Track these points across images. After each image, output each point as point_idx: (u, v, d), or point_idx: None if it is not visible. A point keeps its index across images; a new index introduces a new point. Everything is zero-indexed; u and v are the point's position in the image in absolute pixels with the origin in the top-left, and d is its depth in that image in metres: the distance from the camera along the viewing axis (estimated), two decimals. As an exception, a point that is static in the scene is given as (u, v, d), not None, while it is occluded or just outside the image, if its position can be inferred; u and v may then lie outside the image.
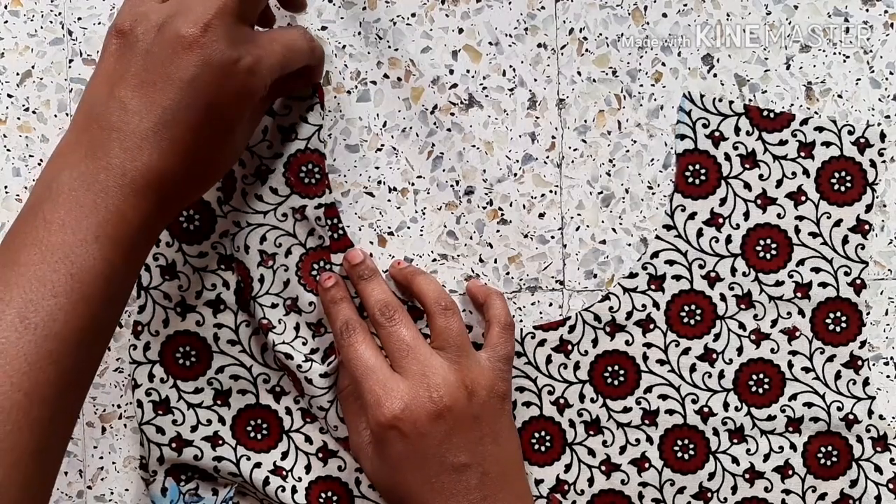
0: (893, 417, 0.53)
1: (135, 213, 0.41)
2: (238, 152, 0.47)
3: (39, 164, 0.53)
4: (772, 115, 0.52)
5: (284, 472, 0.51)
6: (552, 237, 0.53)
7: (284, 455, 0.52)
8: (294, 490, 0.51)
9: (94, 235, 0.40)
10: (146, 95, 0.41)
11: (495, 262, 0.53)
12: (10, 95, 0.53)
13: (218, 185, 0.51)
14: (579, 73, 0.53)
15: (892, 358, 0.53)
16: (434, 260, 0.53)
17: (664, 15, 0.53)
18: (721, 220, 0.52)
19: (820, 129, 0.52)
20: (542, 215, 0.53)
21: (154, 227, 0.43)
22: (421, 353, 0.48)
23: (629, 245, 0.53)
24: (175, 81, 0.41)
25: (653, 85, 0.53)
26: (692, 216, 0.52)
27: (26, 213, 0.41)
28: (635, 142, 0.53)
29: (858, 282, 0.52)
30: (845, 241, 0.52)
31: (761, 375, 0.52)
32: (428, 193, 0.53)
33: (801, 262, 0.52)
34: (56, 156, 0.42)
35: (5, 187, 0.53)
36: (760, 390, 0.52)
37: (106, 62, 0.42)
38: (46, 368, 0.38)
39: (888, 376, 0.53)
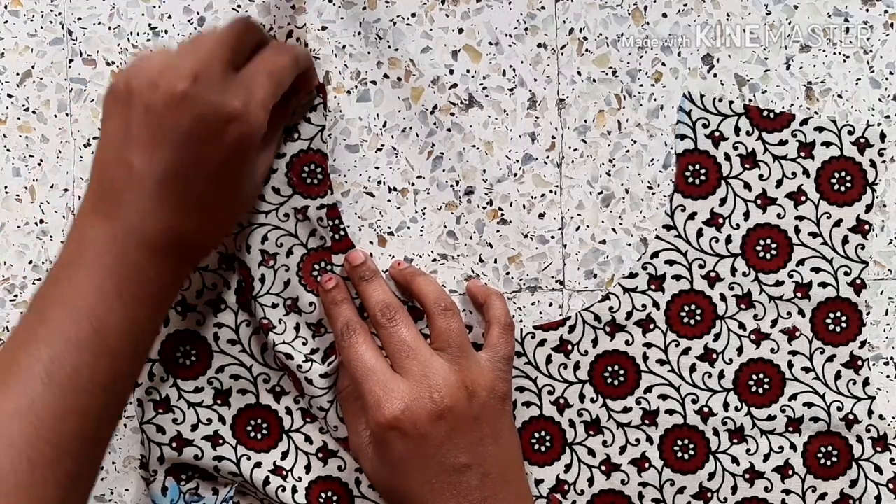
0: (893, 417, 0.53)
1: (155, 269, 0.43)
2: (251, 193, 0.48)
3: (39, 164, 0.53)
4: (772, 115, 0.52)
5: (284, 472, 0.51)
6: (552, 237, 0.53)
7: (284, 455, 0.52)
8: (294, 490, 0.51)
9: (117, 293, 0.42)
10: (149, 155, 0.42)
11: (495, 262, 0.53)
12: (10, 95, 0.53)
13: None
14: (579, 73, 0.53)
15: (892, 358, 0.53)
16: (434, 260, 0.53)
17: (664, 15, 0.53)
18: (721, 220, 0.52)
19: (820, 129, 0.52)
20: (542, 215, 0.53)
21: (176, 280, 0.45)
22: (421, 353, 0.48)
23: (629, 245, 0.53)
24: (174, 139, 0.42)
25: (653, 85, 0.53)
26: (692, 216, 0.52)
27: (56, 272, 0.43)
28: (635, 142, 0.53)
29: (858, 282, 0.52)
30: (845, 241, 0.52)
31: (761, 375, 0.52)
32: (428, 193, 0.53)
33: (801, 262, 0.52)
34: (79, 217, 0.44)
35: (5, 187, 0.53)
36: (760, 390, 0.52)
37: (108, 124, 0.43)
38: (71, 421, 0.40)
39: (888, 376, 0.53)
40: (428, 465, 0.46)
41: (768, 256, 0.52)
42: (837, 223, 0.52)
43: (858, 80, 0.53)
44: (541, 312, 0.53)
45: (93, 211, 0.43)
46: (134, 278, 0.42)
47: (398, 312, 0.49)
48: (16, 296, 0.53)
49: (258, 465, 0.51)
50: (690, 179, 0.52)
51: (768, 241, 0.52)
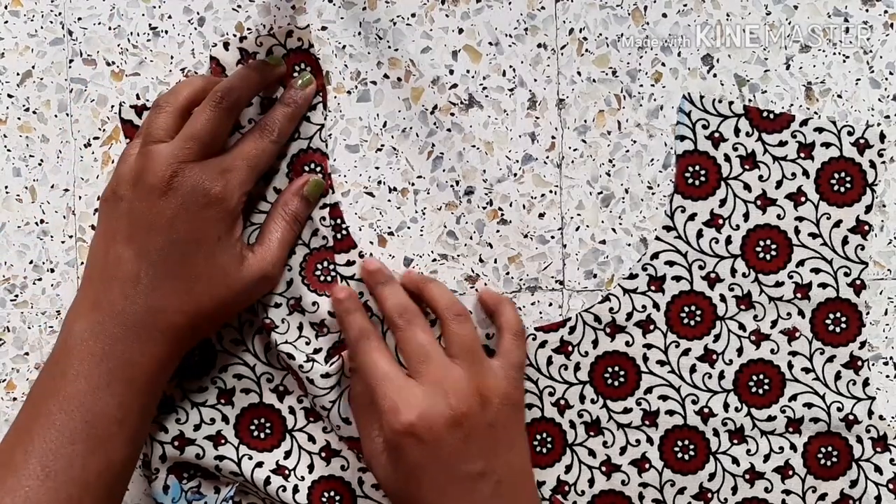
0: (893, 418, 0.53)
1: (143, 355, 0.45)
2: (235, 271, 0.48)
3: (40, 165, 0.53)
4: (771, 115, 0.52)
5: (287, 472, 0.51)
6: (552, 237, 0.53)
7: (287, 454, 0.52)
8: (296, 490, 0.51)
9: (105, 382, 0.44)
10: (136, 244, 0.45)
11: (495, 262, 0.53)
12: (10, 95, 0.53)
13: None
14: (579, 74, 0.53)
15: (891, 358, 0.53)
16: (434, 260, 0.53)
17: (664, 15, 0.53)
18: (721, 221, 0.52)
19: (820, 129, 0.52)
20: (542, 215, 0.53)
21: (164, 363, 0.46)
22: (438, 358, 0.48)
23: (629, 245, 0.53)
24: (158, 226, 0.45)
25: (653, 85, 0.53)
26: (692, 217, 0.52)
27: (48, 366, 0.45)
28: (635, 142, 0.53)
29: (858, 282, 0.52)
30: (845, 241, 0.52)
31: (761, 376, 0.52)
32: (428, 193, 0.53)
33: (800, 263, 0.52)
34: (70, 311, 0.46)
35: (6, 187, 0.53)
36: (760, 391, 0.52)
37: (100, 226, 0.47)
38: None
39: (888, 376, 0.53)
40: (442, 471, 0.46)
41: (768, 257, 0.52)
42: (837, 224, 0.52)
43: (858, 80, 0.53)
44: (541, 312, 0.53)
45: (82, 303, 0.46)
46: (122, 365, 0.44)
47: (416, 316, 0.49)
48: (16, 296, 0.53)
49: (259, 464, 0.51)
50: (690, 180, 0.52)
51: (768, 241, 0.52)
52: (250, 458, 0.51)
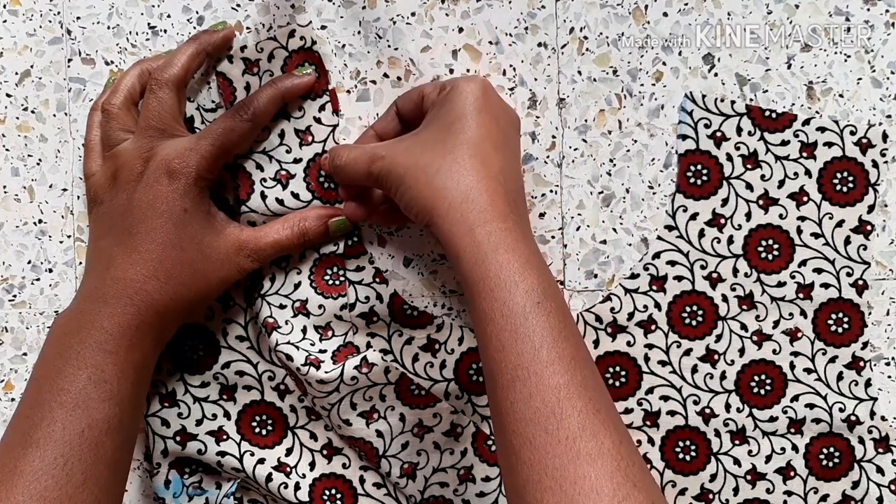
0: (895, 418, 0.53)
1: (111, 319, 0.46)
2: (212, 251, 0.49)
3: (38, 164, 0.53)
4: (774, 115, 0.52)
5: (288, 469, 0.51)
6: (552, 237, 0.53)
7: (289, 451, 0.52)
8: (297, 487, 0.51)
9: (76, 351, 0.45)
10: (114, 233, 0.48)
11: (496, 262, 0.53)
12: (8, 95, 0.53)
13: (235, 186, 0.51)
14: (580, 73, 0.53)
15: (893, 358, 0.53)
16: (434, 260, 0.53)
17: (665, 14, 0.53)
18: (723, 221, 0.52)
19: (822, 129, 0.52)
20: (542, 215, 0.53)
21: (141, 328, 0.47)
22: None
23: (630, 245, 0.53)
24: (131, 209, 0.47)
25: (653, 84, 0.53)
26: (694, 217, 0.52)
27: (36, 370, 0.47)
28: (636, 141, 0.53)
29: (860, 283, 0.52)
30: (847, 241, 0.52)
31: (763, 376, 0.52)
32: (428, 193, 0.53)
33: (803, 263, 0.52)
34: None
35: (4, 187, 0.53)
36: (762, 391, 0.52)
37: (89, 234, 0.50)
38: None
39: (890, 377, 0.53)
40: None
41: (770, 257, 0.52)
42: (840, 224, 0.52)
43: (860, 79, 0.53)
44: (541, 313, 0.53)
45: (76, 300, 0.48)
46: (91, 331, 0.45)
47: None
48: (14, 296, 0.53)
49: (261, 461, 0.51)
50: (692, 180, 0.52)
51: (770, 241, 0.52)
52: (252, 454, 0.51)
